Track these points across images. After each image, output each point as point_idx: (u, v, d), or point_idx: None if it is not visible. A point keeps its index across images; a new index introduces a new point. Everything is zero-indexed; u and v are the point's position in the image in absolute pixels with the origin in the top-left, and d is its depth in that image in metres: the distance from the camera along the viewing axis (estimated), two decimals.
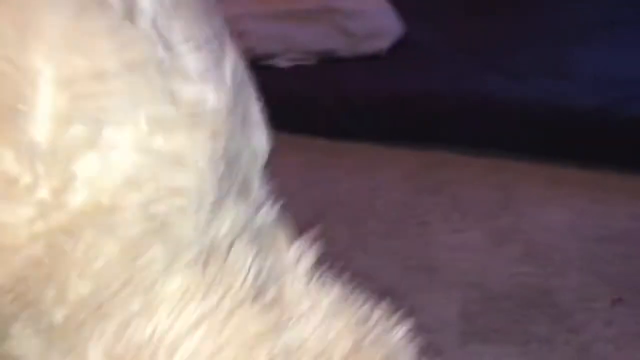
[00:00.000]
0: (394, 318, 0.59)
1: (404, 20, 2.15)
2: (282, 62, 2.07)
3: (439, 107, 1.85)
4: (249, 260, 0.52)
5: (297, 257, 0.57)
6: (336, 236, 1.61)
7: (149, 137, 0.45)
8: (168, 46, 0.47)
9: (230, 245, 0.51)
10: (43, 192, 0.44)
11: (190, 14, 0.49)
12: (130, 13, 0.45)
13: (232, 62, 0.55)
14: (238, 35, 1.89)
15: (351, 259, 1.53)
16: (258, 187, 0.58)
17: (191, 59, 0.48)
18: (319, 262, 0.59)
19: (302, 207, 1.73)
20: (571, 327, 1.30)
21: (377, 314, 0.57)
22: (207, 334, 0.48)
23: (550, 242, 1.53)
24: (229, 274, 0.50)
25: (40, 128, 0.43)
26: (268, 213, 0.57)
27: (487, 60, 2.01)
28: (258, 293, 0.51)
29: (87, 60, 0.44)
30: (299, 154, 1.97)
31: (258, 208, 0.56)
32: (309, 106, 1.98)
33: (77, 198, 0.44)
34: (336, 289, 0.60)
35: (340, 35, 2.09)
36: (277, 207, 0.60)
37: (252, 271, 0.52)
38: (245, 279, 0.51)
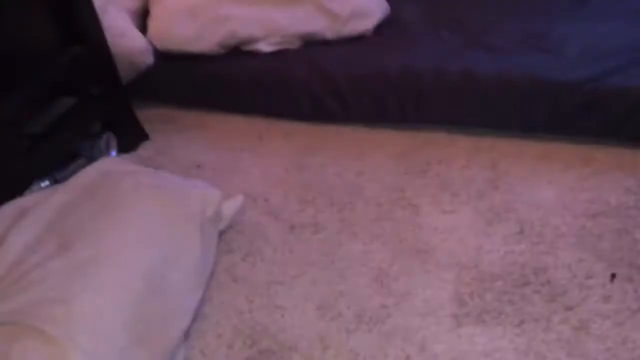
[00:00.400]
0: None
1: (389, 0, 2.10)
2: (265, 47, 2.01)
3: (423, 86, 1.80)
4: None
5: None
6: (324, 222, 1.58)
7: None
8: None
9: None
10: None
11: None
12: None
13: None
14: (221, 19, 1.85)
15: (341, 244, 1.50)
16: None
17: None
18: None
19: (288, 193, 1.70)
20: (567, 304, 1.28)
21: None
22: None
23: (542, 220, 1.50)
24: None
25: None
26: None
27: (471, 37, 1.96)
28: None
29: None
30: (285, 139, 1.93)
31: None
32: (294, 91, 1.93)
33: None
34: None
35: (324, 16, 2.03)
36: None
37: None
38: None
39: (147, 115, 2.05)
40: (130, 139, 1.94)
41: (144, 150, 1.95)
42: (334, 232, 1.55)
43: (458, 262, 1.42)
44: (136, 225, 1.29)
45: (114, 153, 1.88)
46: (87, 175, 1.46)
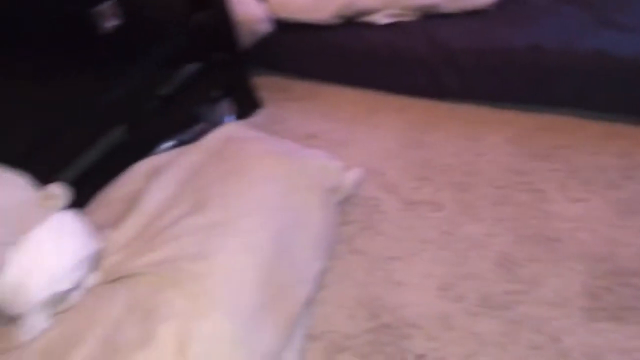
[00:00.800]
0: None
1: None
2: (382, 19, 1.97)
3: (550, 64, 1.70)
4: None
5: None
6: (443, 200, 1.54)
7: None
8: None
9: None
10: None
11: None
12: None
13: None
14: None
15: (460, 224, 1.46)
16: None
17: None
18: None
19: (404, 169, 1.67)
20: None
21: None
22: None
23: None
24: None
25: None
26: None
27: (599, 14, 1.83)
28: None
29: None
30: (398, 114, 1.89)
31: None
32: (411, 64, 1.88)
33: None
34: None
35: None
36: None
37: None
38: None
39: (261, 84, 2.07)
40: (246, 106, 1.97)
41: (258, 117, 1.98)
42: (453, 212, 1.51)
43: (589, 253, 1.34)
44: (262, 191, 1.31)
45: (231, 119, 1.92)
46: (214, 138, 1.49)
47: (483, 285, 1.31)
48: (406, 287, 1.34)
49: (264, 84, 2.09)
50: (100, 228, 1.26)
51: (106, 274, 1.17)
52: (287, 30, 2.05)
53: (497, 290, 1.30)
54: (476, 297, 1.29)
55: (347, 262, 1.42)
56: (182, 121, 1.78)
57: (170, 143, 1.74)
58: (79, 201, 1.29)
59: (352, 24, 2.00)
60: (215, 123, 1.86)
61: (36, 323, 1.09)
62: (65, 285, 1.09)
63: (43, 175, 1.16)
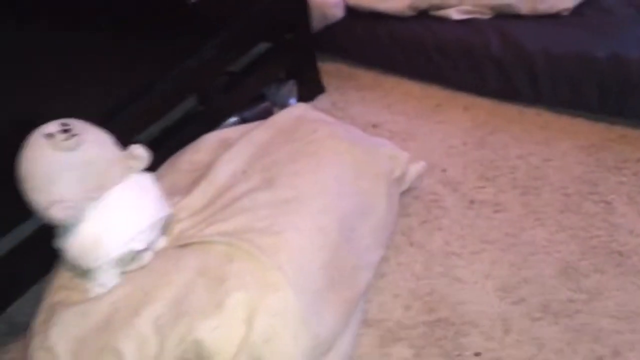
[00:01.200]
0: None
1: None
2: (456, 14, 1.94)
3: (631, 76, 1.65)
4: None
5: None
6: (507, 203, 1.52)
7: None
8: None
9: None
10: None
11: None
12: None
13: None
14: None
15: (524, 228, 1.44)
16: None
17: None
18: None
19: (467, 167, 1.65)
20: None
21: None
22: None
23: None
24: None
25: None
26: None
27: None
28: None
29: None
30: (464, 112, 1.87)
31: None
32: (482, 62, 1.85)
33: None
34: None
35: None
36: None
37: None
38: None
39: (325, 69, 2.07)
40: (309, 89, 1.98)
41: (320, 102, 1.98)
42: (516, 214, 1.49)
43: None
44: (333, 173, 1.32)
45: (294, 101, 1.93)
46: (285, 117, 1.50)
47: (544, 291, 1.29)
48: (465, 285, 1.33)
49: (328, 70, 2.10)
50: (168, 193, 1.29)
51: (175, 239, 1.19)
52: (357, 17, 2.04)
53: (558, 297, 1.28)
54: (537, 302, 1.27)
55: (405, 254, 1.42)
56: (248, 99, 1.79)
57: (233, 119, 1.77)
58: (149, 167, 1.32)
59: (424, 17, 1.98)
60: (278, 104, 1.88)
61: (106, 279, 1.12)
62: (139, 245, 1.12)
63: (119, 138, 1.18)
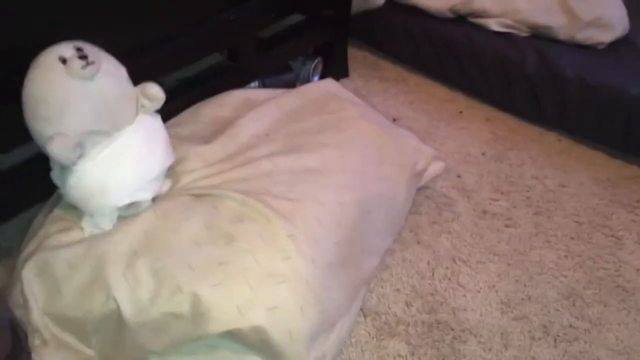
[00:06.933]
0: None
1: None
2: (495, 26, 1.91)
3: None
4: None
5: None
6: (519, 219, 1.50)
7: None
8: None
9: None
10: None
11: None
12: None
13: None
14: None
15: (534, 247, 1.42)
16: None
17: None
18: None
19: (482, 177, 1.62)
20: None
21: None
22: None
23: None
24: None
25: None
26: None
27: None
28: None
29: None
30: (486, 123, 1.85)
31: None
32: (514, 77, 1.83)
33: None
34: None
35: (564, 14, 1.89)
36: None
37: None
38: None
39: (353, 54, 2.03)
40: (334, 70, 1.93)
41: (343, 85, 1.93)
42: (527, 232, 1.46)
43: None
44: (358, 153, 1.27)
45: (316, 78, 1.87)
46: (315, 89, 1.45)
47: (547, 312, 1.27)
48: (468, 292, 1.30)
49: (355, 55, 2.05)
50: (185, 140, 1.23)
51: (187, 187, 1.13)
52: (396, 9, 2.00)
53: (560, 321, 1.25)
54: (539, 322, 1.24)
55: (411, 250, 1.38)
56: (275, 66, 1.74)
57: (254, 83, 1.71)
58: (166, 113, 1.24)
59: (463, 22, 1.95)
60: (301, 78, 1.83)
61: (104, 223, 1.05)
62: (147, 195, 1.06)
63: (138, 79, 1.09)
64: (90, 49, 0.98)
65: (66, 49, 0.96)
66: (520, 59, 1.82)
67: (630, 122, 1.68)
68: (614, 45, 1.91)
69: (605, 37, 1.90)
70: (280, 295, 0.97)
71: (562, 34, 1.91)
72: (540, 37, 1.92)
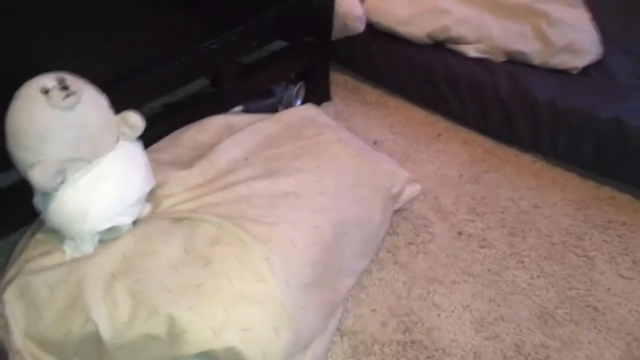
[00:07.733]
0: None
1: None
2: (472, 52, 1.98)
3: (631, 144, 1.69)
4: None
5: None
6: (494, 240, 1.54)
7: None
8: None
9: None
10: None
11: None
12: None
13: None
14: (439, 12, 1.82)
15: (508, 268, 1.45)
16: None
17: None
18: None
19: (458, 199, 1.67)
20: None
21: None
22: None
23: None
24: None
25: None
26: None
27: None
28: None
29: None
30: (463, 146, 1.89)
31: None
32: (489, 102, 1.89)
33: None
34: None
35: (538, 40, 1.96)
36: None
37: None
38: None
39: (335, 79, 2.08)
40: (316, 94, 1.98)
41: (325, 110, 1.98)
42: (501, 253, 1.50)
43: (630, 332, 1.33)
44: (333, 176, 1.31)
45: (298, 102, 1.92)
46: (294, 115, 1.49)
47: (519, 331, 1.30)
48: (443, 312, 1.33)
49: (336, 80, 2.11)
50: (166, 165, 1.26)
51: (167, 211, 1.16)
52: (376, 35, 2.06)
53: (532, 340, 1.28)
54: (511, 341, 1.28)
55: (388, 271, 1.41)
56: (257, 91, 1.78)
57: (237, 108, 1.75)
58: (150, 137, 1.28)
59: (440, 48, 2.01)
60: (284, 102, 1.87)
61: (84, 247, 1.08)
62: (126, 220, 1.09)
63: (121, 106, 1.13)
64: (72, 80, 1.02)
65: (48, 79, 0.99)
66: (494, 84, 1.88)
67: (601, 145, 1.74)
68: (588, 69, 1.97)
69: (579, 62, 1.96)
70: (255, 317, 1.00)
71: (537, 59, 1.97)
72: (516, 63, 1.98)
